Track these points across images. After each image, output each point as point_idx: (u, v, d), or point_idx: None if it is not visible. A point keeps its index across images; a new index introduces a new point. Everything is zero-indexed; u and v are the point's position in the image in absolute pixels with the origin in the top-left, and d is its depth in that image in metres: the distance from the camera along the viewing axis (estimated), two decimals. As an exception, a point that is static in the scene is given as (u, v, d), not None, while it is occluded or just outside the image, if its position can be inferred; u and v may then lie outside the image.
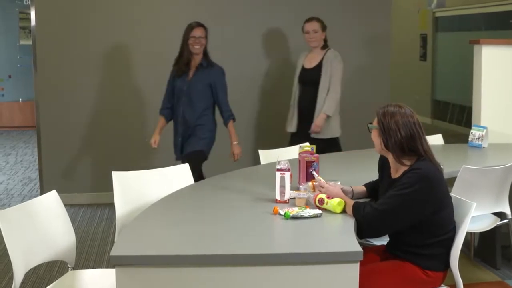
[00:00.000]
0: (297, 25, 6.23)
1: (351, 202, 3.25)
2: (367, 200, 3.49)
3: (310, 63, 6.14)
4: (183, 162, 5.01)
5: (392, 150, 3.23)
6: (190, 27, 5.52)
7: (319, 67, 6.05)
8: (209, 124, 5.63)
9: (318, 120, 5.96)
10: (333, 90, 6.01)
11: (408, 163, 3.22)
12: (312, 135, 5.96)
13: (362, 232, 3.17)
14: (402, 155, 3.22)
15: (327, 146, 5.77)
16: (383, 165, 3.46)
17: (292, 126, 6.21)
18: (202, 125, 5.57)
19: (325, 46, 6.13)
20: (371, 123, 3.34)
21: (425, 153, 3.21)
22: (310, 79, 6.07)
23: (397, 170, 3.28)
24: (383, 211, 3.12)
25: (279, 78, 7.10)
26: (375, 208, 3.14)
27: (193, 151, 5.52)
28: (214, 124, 5.68)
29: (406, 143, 3.19)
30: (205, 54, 5.58)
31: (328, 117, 5.99)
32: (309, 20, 6.11)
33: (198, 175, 5.14)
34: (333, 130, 6.09)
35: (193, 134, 5.58)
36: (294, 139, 6.03)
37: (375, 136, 3.31)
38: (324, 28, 6.08)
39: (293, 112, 6.22)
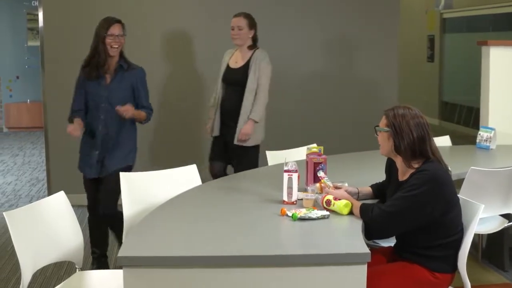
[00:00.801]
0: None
1: (358, 204, 3.24)
2: (373, 201, 3.49)
3: (236, 63, 5.57)
4: (105, 179, 4.68)
5: (404, 152, 3.21)
6: (108, 23, 4.74)
7: (245, 67, 5.48)
8: (134, 133, 4.87)
9: (246, 127, 5.39)
10: (262, 95, 5.44)
11: (416, 165, 3.21)
12: (237, 143, 5.44)
13: (370, 233, 3.17)
14: (412, 157, 3.21)
15: (246, 153, 5.47)
16: (391, 166, 3.45)
17: (215, 129, 5.62)
18: (126, 134, 4.79)
19: (253, 46, 5.54)
20: (377, 126, 3.33)
21: (433, 154, 3.21)
22: (235, 80, 5.51)
23: (404, 173, 3.27)
24: (391, 212, 3.12)
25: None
26: (383, 209, 3.14)
27: (123, 167, 4.58)
28: (136, 131, 4.90)
29: (418, 144, 3.19)
30: (122, 54, 4.80)
31: (255, 123, 5.43)
32: (236, 15, 5.54)
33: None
34: (258, 137, 5.52)
35: (116, 146, 4.75)
36: (217, 144, 5.64)
37: (383, 139, 3.30)
38: (252, 26, 5.50)
39: (215, 114, 5.64)
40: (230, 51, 5.69)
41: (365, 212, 3.17)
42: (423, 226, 3.15)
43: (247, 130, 5.38)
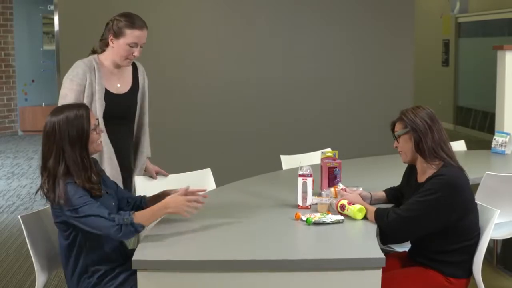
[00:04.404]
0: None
1: (372, 209, 3.24)
2: (387, 205, 3.47)
3: (119, 86, 3.86)
4: None
5: (426, 148, 3.19)
6: None
7: (134, 91, 3.88)
8: None
9: (151, 169, 4.16)
10: (147, 123, 4.07)
11: (435, 166, 3.19)
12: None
13: (385, 238, 3.16)
14: (433, 155, 3.19)
15: None
16: (411, 170, 3.43)
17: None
18: None
19: None
20: (394, 133, 3.31)
21: (450, 153, 3.20)
22: (126, 110, 3.89)
23: (423, 174, 3.26)
24: (407, 217, 3.11)
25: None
26: (399, 214, 3.13)
27: None
28: None
29: (438, 138, 3.19)
30: None
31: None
32: (140, 26, 3.81)
33: None
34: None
35: None
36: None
37: (405, 142, 3.26)
38: None
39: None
40: (86, 68, 3.82)
41: (380, 217, 3.16)
42: (439, 230, 3.14)
43: (153, 171, 4.17)
